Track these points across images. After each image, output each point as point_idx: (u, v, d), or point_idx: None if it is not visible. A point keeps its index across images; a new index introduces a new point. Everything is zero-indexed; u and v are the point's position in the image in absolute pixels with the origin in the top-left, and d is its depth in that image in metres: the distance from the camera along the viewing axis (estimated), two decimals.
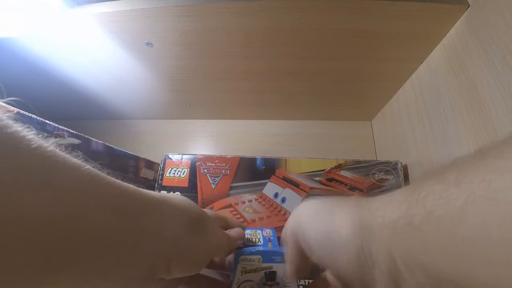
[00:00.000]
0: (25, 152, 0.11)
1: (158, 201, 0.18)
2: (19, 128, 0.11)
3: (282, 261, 0.23)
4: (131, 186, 0.16)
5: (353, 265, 0.15)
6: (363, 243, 0.15)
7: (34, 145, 0.11)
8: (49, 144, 0.12)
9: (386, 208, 0.15)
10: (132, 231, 0.15)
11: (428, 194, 0.12)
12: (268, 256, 0.23)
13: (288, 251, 0.22)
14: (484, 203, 0.10)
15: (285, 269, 0.23)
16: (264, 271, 0.23)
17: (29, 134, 0.11)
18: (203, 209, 0.23)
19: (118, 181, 0.15)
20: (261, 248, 0.25)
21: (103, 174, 0.14)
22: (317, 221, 0.19)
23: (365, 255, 0.15)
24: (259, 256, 0.23)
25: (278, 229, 0.26)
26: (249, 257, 0.23)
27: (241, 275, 0.22)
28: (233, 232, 0.25)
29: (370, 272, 0.15)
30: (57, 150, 0.12)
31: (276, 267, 0.23)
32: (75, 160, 0.13)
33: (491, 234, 0.09)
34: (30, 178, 0.11)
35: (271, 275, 0.23)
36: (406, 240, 0.13)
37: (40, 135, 0.11)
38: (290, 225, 0.21)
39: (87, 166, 0.13)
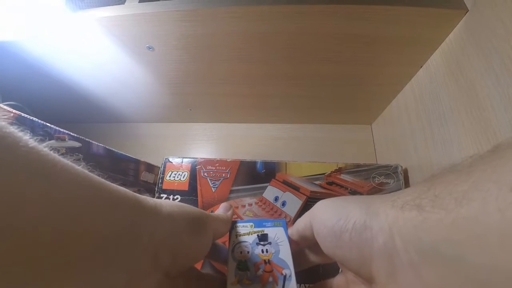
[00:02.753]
0: (25, 149, 0.11)
1: (152, 200, 0.19)
2: (15, 129, 0.11)
3: (273, 226, 0.26)
4: (124, 188, 0.16)
5: (354, 240, 0.16)
6: (367, 220, 0.16)
7: (31, 144, 0.11)
8: (44, 145, 0.12)
9: (400, 194, 0.15)
10: (130, 224, 0.15)
11: (441, 182, 0.13)
12: (259, 223, 0.27)
13: (298, 223, 0.24)
14: (487, 186, 0.10)
15: (276, 232, 0.26)
16: (256, 234, 0.26)
17: (26, 135, 0.12)
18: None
19: (108, 182, 0.15)
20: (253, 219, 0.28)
21: (93, 175, 0.14)
22: (331, 209, 0.20)
23: (366, 230, 0.16)
24: (251, 223, 0.27)
25: None
26: (243, 224, 0.27)
27: (236, 238, 0.26)
28: (220, 209, 0.28)
29: (368, 246, 0.15)
30: (50, 150, 0.12)
31: (267, 230, 0.26)
32: (67, 160, 0.13)
33: (490, 214, 0.10)
34: (30, 174, 0.11)
35: (263, 237, 0.25)
36: (407, 218, 0.14)
37: (36, 138, 0.12)
38: (304, 215, 0.23)
39: (79, 166, 0.14)
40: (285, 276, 0.22)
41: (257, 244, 0.25)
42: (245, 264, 0.23)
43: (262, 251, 0.24)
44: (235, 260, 0.24)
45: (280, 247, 0.24)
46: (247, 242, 0.25)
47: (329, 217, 0.19)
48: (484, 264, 0.10)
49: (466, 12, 0.29)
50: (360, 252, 0.16)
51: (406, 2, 0.29)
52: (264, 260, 0.23)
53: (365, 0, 0.29)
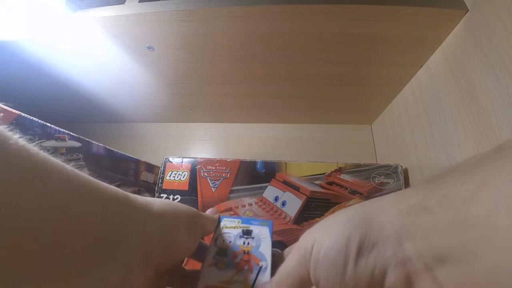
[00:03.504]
0: (15, 147, 0.11)
1: (143, 199, 0.19)
2: (4, 128, 0.11)
3: (259, 224, 0.27)
4: (115, 187, 0.17)
5: (369, 262, 0.15)
6: (373, 236, 0.15)
7: (21, 143, 0.11)
8: (33, 144, 0.12)
9: (403, 199, 0.15)
10: (121, 223, 0.15)
11: (446, 182, 0.13)
12: (246, 220, 0.28)
13: (289, 264, 0.19)
14: (495, 185, 0.10)
15: (260, 230, 0.27)
16: (241, 228, 0.27)
17: (15, 134, 0.12)
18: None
19: (98, 181, 0.15)
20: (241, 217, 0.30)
21: (83, 173, 0.14)
22: (331, 229, 0.17)
23: (375, 246, 0.15)
24: (239, 219, 0.28)
25: (279, 232, 0.27)
26: (230, 219, 0.28)
27: (221, 229, 0.27)
28: (208, 212, 0.29)
29: (380, 262, 0.14)
30: (39, 149, 0.12)
31: (253, 227, 0.27)
32: (57, 159, 0.13)
33: (501, 214, 0.10)
34: (22, 172, 0.11)
35: (247, 231, 0.26)
36: (416, 223, 0.13)
37: (25, 137, 0.12)
38: (299, 241, 0.19)
39: (69, 165, 0.14)
40: (260, 267, 0.23)
41: (240, 237, 0.26)
42: (224, 251, 0.24)
43: (244, 243, 0.25)
44: (216, 247, 0.25)
45: (261, 242, 0.25)
46: (231, 233, 0.26)
47: (327, 239, 0.16)
48: (495, 263, 0.10)
49: (466, 12, 0.29)
50: (372, 271, 0.14)
51: (406, 2, 0.29)
52: (244, 251, 0.24)
53: (365, 0, 0.29)
